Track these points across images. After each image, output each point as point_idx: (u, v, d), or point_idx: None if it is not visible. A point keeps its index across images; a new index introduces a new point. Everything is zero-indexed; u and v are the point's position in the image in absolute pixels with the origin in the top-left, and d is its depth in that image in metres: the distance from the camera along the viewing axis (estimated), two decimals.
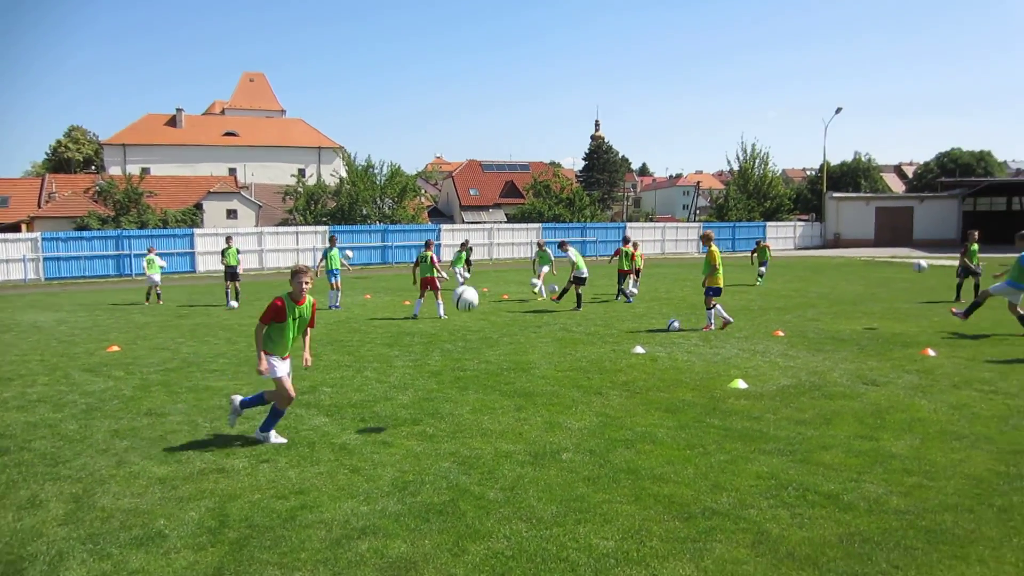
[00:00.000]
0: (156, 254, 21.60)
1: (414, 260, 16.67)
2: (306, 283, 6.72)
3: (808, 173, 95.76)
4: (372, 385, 9.30)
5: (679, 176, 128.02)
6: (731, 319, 13.69)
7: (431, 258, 15.95)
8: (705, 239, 13.72)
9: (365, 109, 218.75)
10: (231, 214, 52.05)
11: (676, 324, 13.64)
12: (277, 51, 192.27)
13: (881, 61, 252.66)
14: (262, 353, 6.71)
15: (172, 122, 67.46)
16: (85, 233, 35.38)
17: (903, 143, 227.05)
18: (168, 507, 5.35)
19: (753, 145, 56.17)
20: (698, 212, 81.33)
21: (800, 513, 5.00)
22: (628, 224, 51.29)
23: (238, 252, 20.31)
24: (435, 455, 6.44)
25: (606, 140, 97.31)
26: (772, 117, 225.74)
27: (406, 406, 8.19)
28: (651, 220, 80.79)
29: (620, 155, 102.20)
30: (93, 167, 71.29)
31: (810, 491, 5.39)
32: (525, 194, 54.93)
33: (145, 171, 49.19)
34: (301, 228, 40.21)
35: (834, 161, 74.35)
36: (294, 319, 6.76)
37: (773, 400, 8.16)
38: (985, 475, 5.66)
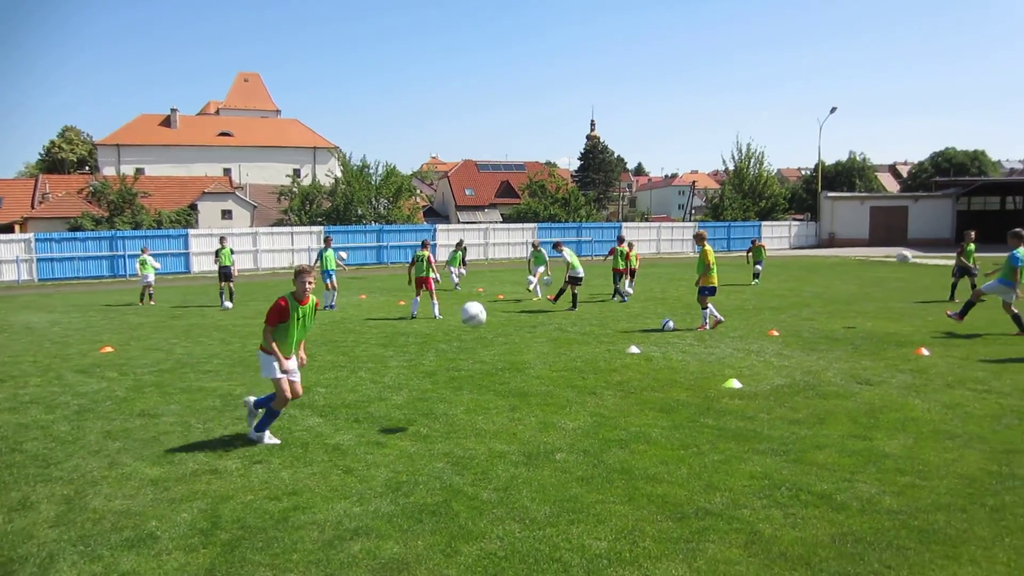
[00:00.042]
0: (150, 254, 21.53)
1: (410, 260, 16.65)
2: (309, 283, 6.75)
3: (803, 173, 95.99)
4: (366, 386, 9.28)
5: (675, 176, 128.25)
6: (722, 318, 13.71)
7: (427, 258, 15.94)
8: (698, 238, 13.73)
9: (360, 109, 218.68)
10: (226, 214, 51.93)
11: (671, 324, 13.65)
12: (272, 51, 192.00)
13: (876, 61, 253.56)
14: (276, 352, 6.67)
15: (167, 122, 67.22)
16: (79, 234, 35.23)
17: (898, 143, 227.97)
18: (160, 508, 5.33)
19: (748, 145, 56.25)
20: (693, 212, 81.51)
21: (793, 513, 5.00)
22: (624, 224, 51.29)
23: (232, 252, 20.27)
24: (429, 455, 6.42)
25: (602, 140, 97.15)
26: (767, 117, 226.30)
27: (400, 406, 8.18)
28: (647, 220, 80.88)
29: (616, 155, 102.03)
30: (87, 168, 71.04)
31: (803, 491, 5.39)
32: (521, 194, 54.90)
33: (139, 171, 49.04)
34: (296, 228, 40.11)
35: (829, 161, 74.62)
36: (298, 318, 6.77)
37: (767, 400, 8.17)
38: (978, 475, 5.67)
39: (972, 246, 17.29)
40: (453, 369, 10.25)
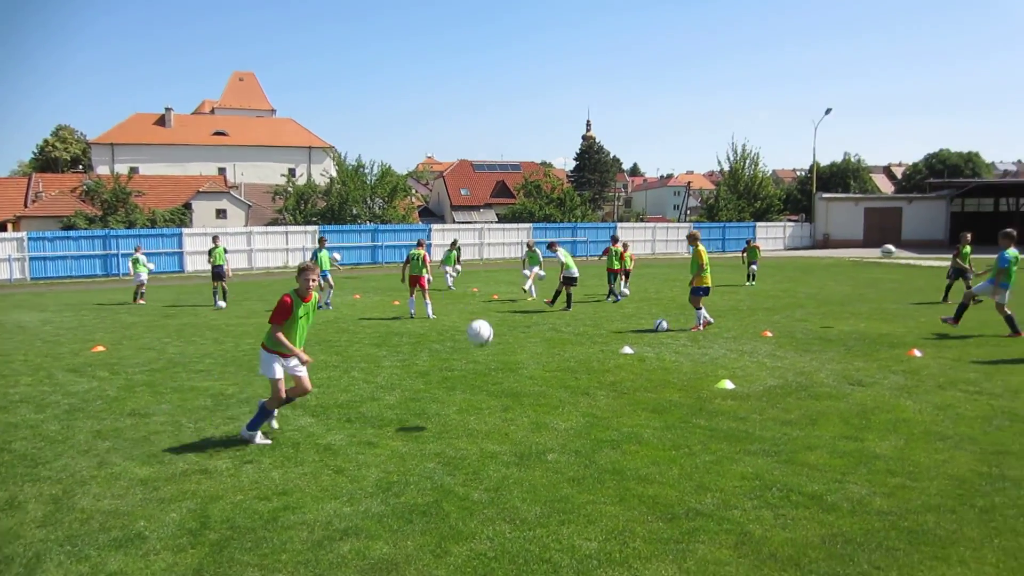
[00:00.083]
0: (143, 254, 21.48)
1: (404, 258, 16.64)
2: (313, 280, 6.84)
3: (798, 173, 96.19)
4: (359, 385, 9.26)
5: (670, 176, 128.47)
6: (712, 320, 13.70)
7: (422, 257, 15.93)
8: (691, 239, 13.73)
9: (356, 109, 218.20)
10: (220, 214, 51.78)
11: (664, 324, 13.65)
12: (267, 50, 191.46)
13: (871, 62, 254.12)
14: (289, 347, 6.69)
15: (161, 121, 67.01)
16: (72, 233, 35.08)
17: (892, 144, 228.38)
18: (149, 508, 5.30)
19: (743, 145, 56.52)
20: (689, 212, 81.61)
21: (783, 514, 5.00)
22: (619, 224, 51.36)
23: (225, 252, 20.22)
24: (420, 456, 6.41)
25: (597, 140, 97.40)
26: (763, 118, 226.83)
27: (392, 406, 8.16)
28: (642, 220, 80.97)
29: (611, 155, 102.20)
30: (81, 166, 70.80)
31: (794, 492, 5.39)
32: (516, 194, 54.87)
33: (133, 171, 48.94)
34: (291, 228, 40.04)
35: (824, 162, 74.92)
36: (301, 315, 6.81)
37: (759, 401, 8.17)
38: (968, 476, 5.68)
39: (968, 248, 17.33)
40: (446, 369, 10.23)
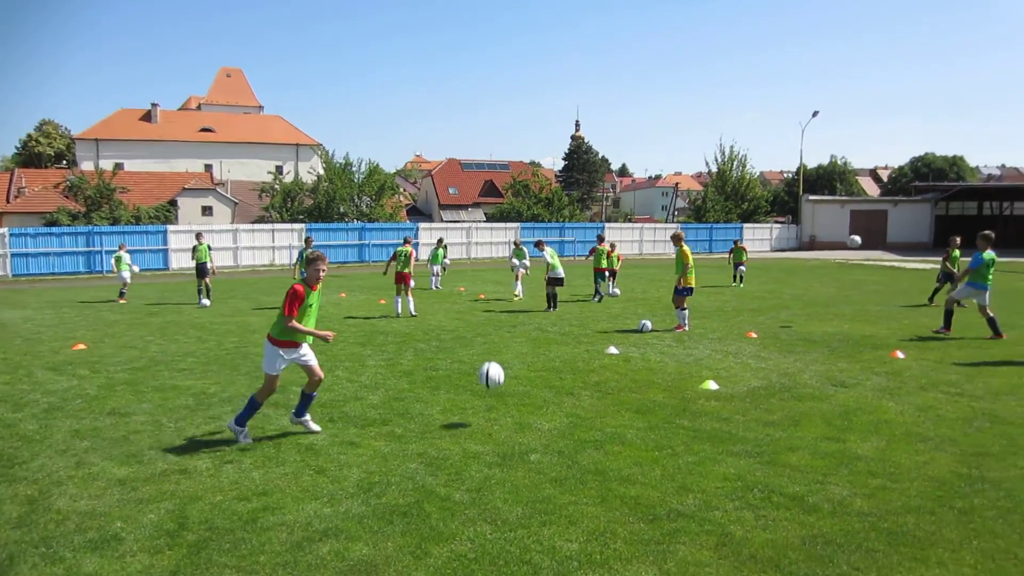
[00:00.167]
0: (127, 251, 21.28)
1: (391, 255, 16.60)
2: (323, 270, 6.86)
3: (785, 175, 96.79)
4: (343, 384, 9.20)
5: (658, 177, 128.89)
6: (687, 327, 13.47)
7: (409, 254, 15.89)
8: (676, 239, 13.72)
9: (344, 106, 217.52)
10: (206, 211, 51.39)
11: (648, 325, 13.65)
12: (255, 46, 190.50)
13: (858, 65, 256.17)
14: (309, 331, 6.72)
15: (147, 117, 66.42)
16: (55, 229, 34.73)
17: (878, 147, 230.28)
18: (126, 509, 5.23)
19: (731, 147, 56.82)
20: (676, 213, 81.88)
21: (764, 515, 5.01)
22: (607, 224, 51.43)
23: (209, 249, 20.08)
24: (402, 456, 6.37)
25: (586, 140, 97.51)
26: (750, 119, 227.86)
27: (376, 406, 8.11)
28: (630, 221, 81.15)
29: (600, 155, 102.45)
30: (64, 162, 70.03)
31: (775, 493, 5.40)
32: (504, 193, 54.87)
33: (118, 167, 48.36)
34: (277, 226, 39.82)
35: (811, 164, 75.40)
36: (310, 303, 6.78)
37: (743, 401, 8.19)
38: (948, 477, 5.71)
39: (957, 252, 17.43)
40: (431, 369, 10.19)
